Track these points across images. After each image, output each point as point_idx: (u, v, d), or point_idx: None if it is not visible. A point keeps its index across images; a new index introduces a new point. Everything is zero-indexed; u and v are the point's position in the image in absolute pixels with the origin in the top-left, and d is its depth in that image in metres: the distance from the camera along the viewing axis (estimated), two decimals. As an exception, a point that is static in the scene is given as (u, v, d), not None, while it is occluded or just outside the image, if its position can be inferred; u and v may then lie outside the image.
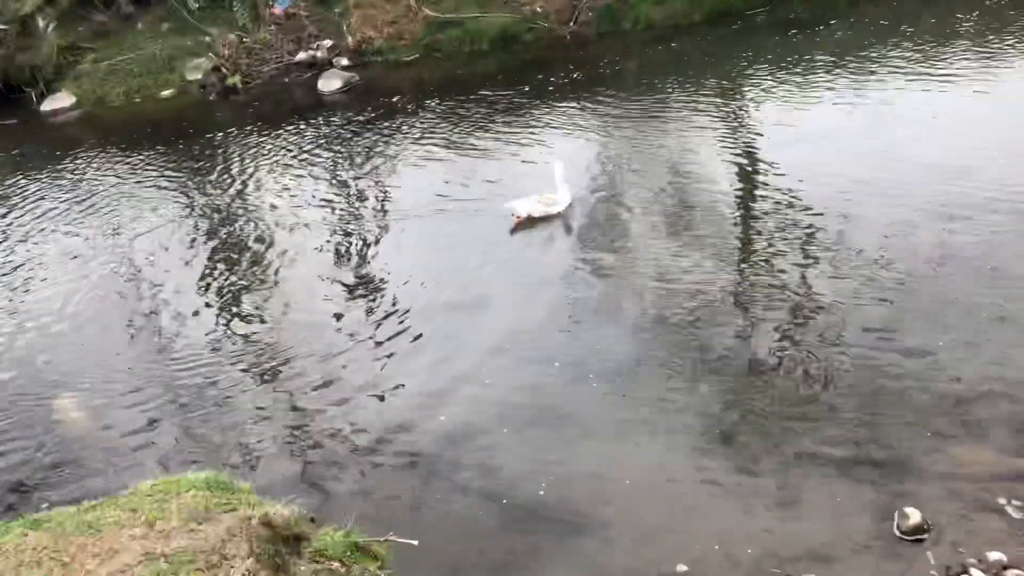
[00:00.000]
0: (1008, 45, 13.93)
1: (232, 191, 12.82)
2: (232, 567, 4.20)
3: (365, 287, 9.89)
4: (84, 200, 13.19)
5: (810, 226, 9.78)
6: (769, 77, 14.09)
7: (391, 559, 5.60)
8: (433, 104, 14.98)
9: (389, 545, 5.61)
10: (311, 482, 6.90)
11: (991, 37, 14.25)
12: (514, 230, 10.51)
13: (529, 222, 10.51)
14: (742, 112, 13.20)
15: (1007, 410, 6.86)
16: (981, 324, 7.90)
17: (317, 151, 13.78)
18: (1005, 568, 5.51)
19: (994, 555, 5.60)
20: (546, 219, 10.51)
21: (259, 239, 11.22)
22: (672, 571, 5.92)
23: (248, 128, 15.16)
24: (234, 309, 9.77)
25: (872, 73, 13.60)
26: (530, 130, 13.38)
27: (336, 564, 5.32)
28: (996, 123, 11.52)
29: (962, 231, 9.32)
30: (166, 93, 17.17)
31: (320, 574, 4.90)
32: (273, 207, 12.07)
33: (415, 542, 5.16)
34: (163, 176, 13.77)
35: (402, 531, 6.23)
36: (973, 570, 5.51)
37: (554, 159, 10.99)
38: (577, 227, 10.43)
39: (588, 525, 6.38)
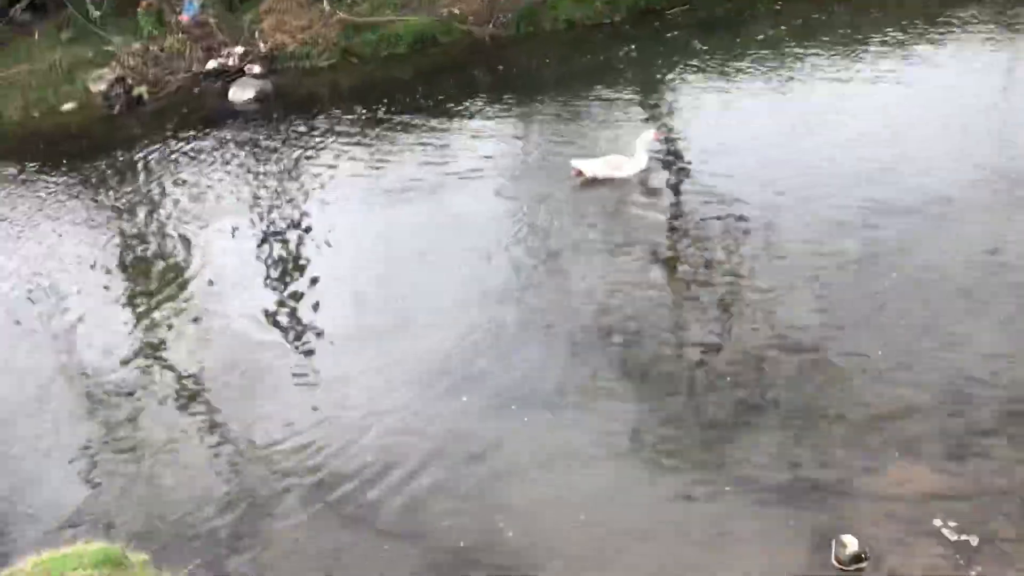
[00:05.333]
0: (921, 38, 14.08)
1: (142, 209, 12.17)
2: (116, 665, 3.74)
3: (285, 312, 9.42)
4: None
5: (736, 233, 9.64)
6: (690, 78, 13.96)
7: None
8: (350, 111, 14.49)
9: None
10: (219, 540, 6.41)
11: (907, 34, 14.38)
12: (579, 183, 10.96)
13: (593, 181, 10.91)
14: (664, 116, 13.03)
15: (938, 424, 6.75)
16: (909, 332, 7.82)
17: (231, 165, 13.17)
18: (943, 596, 5.36)
19: (932, 583, 5.45)
20: (611, 180, 10.94)
21: (178, 263, 10.62)
22: (605, 615, 5.64)
23: (156, 141, 14.42)
24: (150, 345, 9.16)
25: (793, 73, 13.56)
26: (450, 134, 13.02)
27: (244, 636, 4.89)
28: (914, 124, 11.56)
29: (885, 235, 9.27)
30: (68, 107, 16.26)
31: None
32: (187, 225, 11.45)
33: (328, 609, 4.74)
34: (69, 198, 13.00)
35: (319, 586, 5.90)
36: (912, 600, 5.35)
37: (648, 127, 11.59)
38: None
39: (517, 567, 6.06)
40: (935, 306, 8.13)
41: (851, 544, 5.72)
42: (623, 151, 11.16)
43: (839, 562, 5.71)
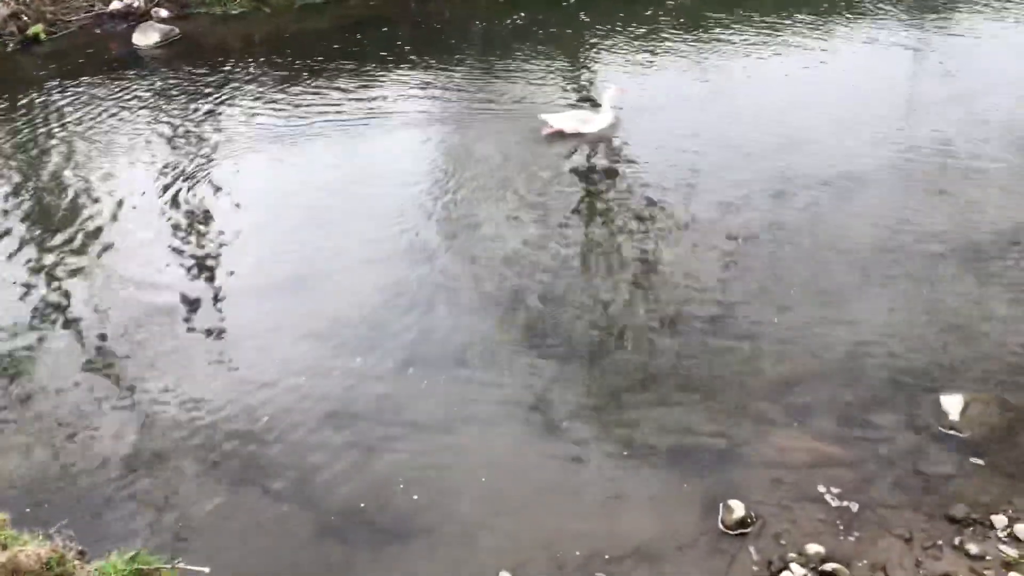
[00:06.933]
0: (837, 15, 14.33)
1: (36, 155, 11.54)
2: (-33, 630, 3.54)
3: (187, 267, 9.05)
4: None
5: (648, 199, 9.73)
6: (614, 45, 13.92)
7: (186, 584, 5.06)
8: (261, 61, 13.99)
9: (181, 571, 5.04)
10: (96, 502, 6.15)
11: (824, 10, 14.62)
12: (548, 137, 10.93)
13: (560, 135, 10.91)
14: (586, 82, 12.97)
15: (827, 394, 6.94)
16: (806, 303, 8.00)
17: (133, 112, 12.58)
18: (823, 560, 5.51)
19: (813, 548, 5.59)
20: (578, 136, 10.91)
21: (75, 214, 10.06)
22: (495, 577, 5.64)
23: (53, 83, 13.67)
24: (45, 301, 8.66)
25: (714, 41, 13.67)
26: (370, 92, 12.68)
27: (117, 598, 4.73)
28: (826, 98, 11.80)
29: (790, 207, 9.46)
30: (-44, 42, 15.30)
31: (91, 617, 4.29)
32: (84, 174, 10.89)
33: (206, 570, 4.61)
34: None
35: (205, 548, 5.73)
36: (793, 564, 5.48)
37: (611, 83, 11.57)
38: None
39: (410, 530, 6.00)
40: (833, 279, 8.35)
41: (737, 509, 5.84)
42: (553, 110, 11.24)
43: (725, 526, 5.82)
